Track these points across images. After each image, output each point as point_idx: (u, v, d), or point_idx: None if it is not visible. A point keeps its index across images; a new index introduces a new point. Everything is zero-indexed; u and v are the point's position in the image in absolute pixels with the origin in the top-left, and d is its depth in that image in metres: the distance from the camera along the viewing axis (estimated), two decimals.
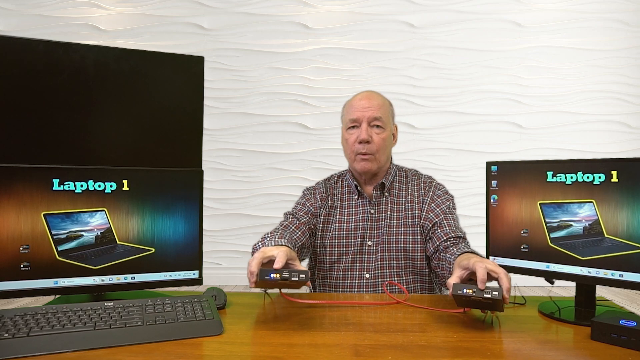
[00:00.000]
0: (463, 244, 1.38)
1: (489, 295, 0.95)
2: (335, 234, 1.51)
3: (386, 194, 1.52)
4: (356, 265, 1.48)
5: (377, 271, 1.46)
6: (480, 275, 0.99)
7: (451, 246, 1.37)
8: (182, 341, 0.97)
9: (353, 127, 1.47)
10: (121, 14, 4.21)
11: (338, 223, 1.52)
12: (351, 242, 1.49)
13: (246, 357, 0.90)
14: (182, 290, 1.34)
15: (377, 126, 1.45)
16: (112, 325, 1.01)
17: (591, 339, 0.99)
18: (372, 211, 1.51)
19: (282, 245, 1.21)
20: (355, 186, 1.53)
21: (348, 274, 1.49)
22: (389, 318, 1.14)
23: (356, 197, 1.53)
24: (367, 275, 1.47)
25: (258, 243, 1.39)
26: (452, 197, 1.54)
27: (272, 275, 0.93)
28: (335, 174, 1.64)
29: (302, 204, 1.55)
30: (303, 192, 1.61)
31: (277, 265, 0.98)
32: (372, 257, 1.48)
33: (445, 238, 1.40)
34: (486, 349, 0.93)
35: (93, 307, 1.07)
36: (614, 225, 1.12)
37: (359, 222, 1.50)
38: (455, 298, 1.02)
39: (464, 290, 0.97)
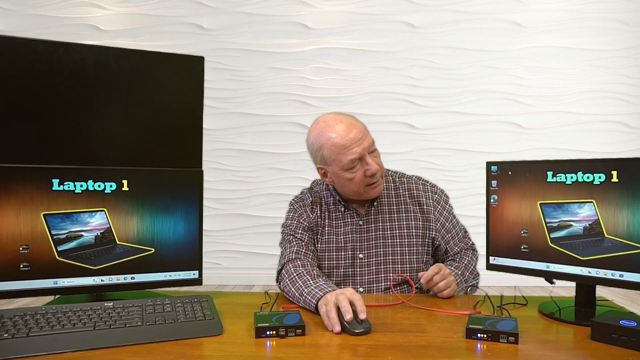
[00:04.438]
0: (468, 256, 1.50)
1: (505, 341, 0.97)
2: (325, 247, 1.44)
3: (375, 204, 1.47)
4: (349, 280, 1.43)
5: (371, 285, 1.42)
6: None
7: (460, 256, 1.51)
8: (182, 341, 0.97)
9: (354, 166, 1.35)
10: (121, 14, 4.21)
11: (327, 236, 1.45)
12: (341, 255, 1.43)
13: (246, 357, 0.90)
14: (182, 290, 1.34)
15: (373, 151, 1.39)
16: (112, 325, 1.01)
17: (591, 339, 0.99)
18: (361, 222, 1.45)
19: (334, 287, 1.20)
20: (339, 200, 1.47)
21: (340, 288, 1.37)
22: (389, 318, 1.14)
23: (343, 209, 1.47)
24: (361, 289, 1.41)
25: (291, 289, 1.27)
26: (448, 197, 1.54)
27: (268, 332, 1.00)
28: (318, 180, 1.56)
29: (297, 220, 1.47)
30: (291, 206, 1.52)
31: (348, 317, 1.04)
32: (365, 270, 1.42)
33: (457, 249, 1.51)
34: (486, 349, 0.93)
35: (93, 307, 1.07)
36: (614, 225, 1.12)
37: (348, 235, 1.44)
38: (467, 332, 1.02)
39: (479, 335, 0.99)
